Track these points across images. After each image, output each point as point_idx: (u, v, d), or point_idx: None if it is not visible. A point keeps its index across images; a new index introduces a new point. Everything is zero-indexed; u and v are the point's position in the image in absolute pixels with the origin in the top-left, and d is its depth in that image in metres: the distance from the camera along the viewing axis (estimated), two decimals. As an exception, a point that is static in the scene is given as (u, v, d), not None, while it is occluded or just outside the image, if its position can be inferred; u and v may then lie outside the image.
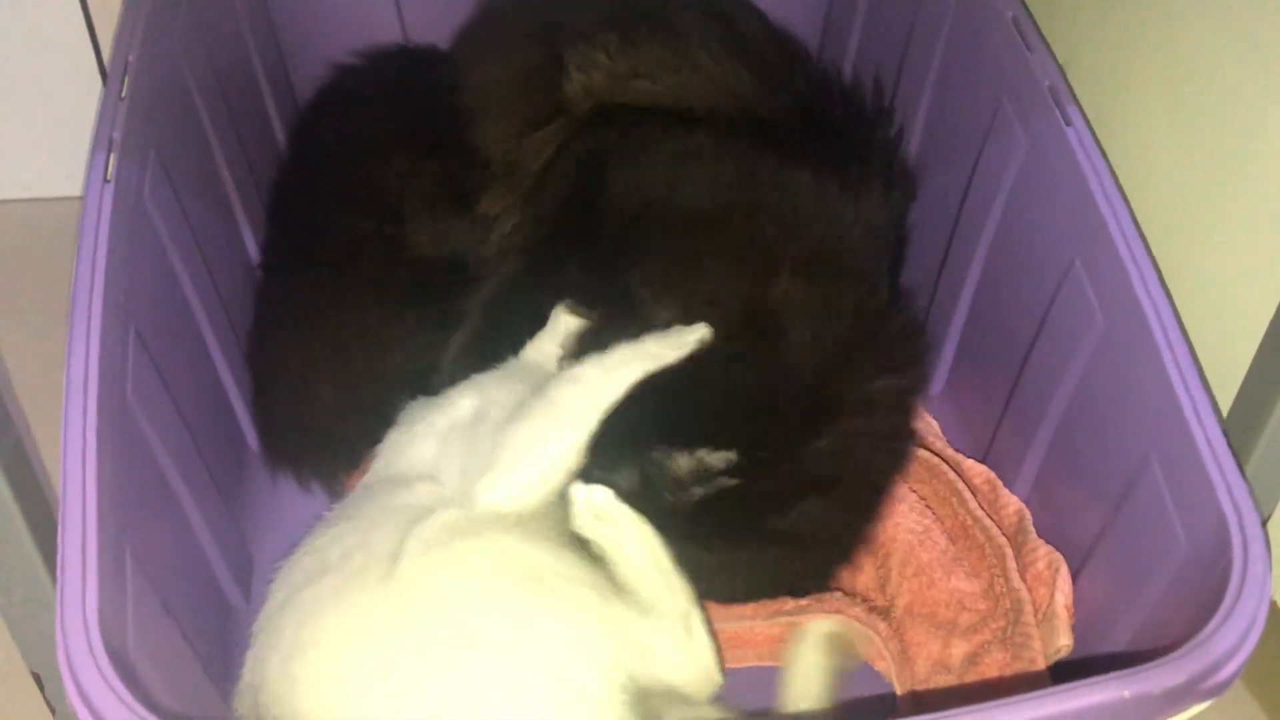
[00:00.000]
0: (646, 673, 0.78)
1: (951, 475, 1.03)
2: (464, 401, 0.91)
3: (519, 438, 0.84)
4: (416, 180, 1.13)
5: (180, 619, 0.85)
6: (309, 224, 1.17)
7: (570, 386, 0.86)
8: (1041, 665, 0.90)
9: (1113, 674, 0.66)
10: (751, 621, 0.97)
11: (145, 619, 0.78)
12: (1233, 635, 0.69)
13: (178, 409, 0.93)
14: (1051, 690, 0.65)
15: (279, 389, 1.09)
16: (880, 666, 0.96)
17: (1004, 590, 0.95)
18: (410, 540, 0.78)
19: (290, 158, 1.28)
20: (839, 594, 0.98)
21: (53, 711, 0.85)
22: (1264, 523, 0.76)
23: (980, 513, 1.00)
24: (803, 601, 0.96)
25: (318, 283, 1.11)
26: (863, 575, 1.01)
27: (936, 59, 1.14)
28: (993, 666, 0.91)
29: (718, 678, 0.83)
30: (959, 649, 0.94)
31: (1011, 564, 0.96)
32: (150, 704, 0.66)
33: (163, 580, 0.83)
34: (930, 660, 0.94)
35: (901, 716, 0.65)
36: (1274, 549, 0.76)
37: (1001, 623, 0.94)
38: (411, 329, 1.06)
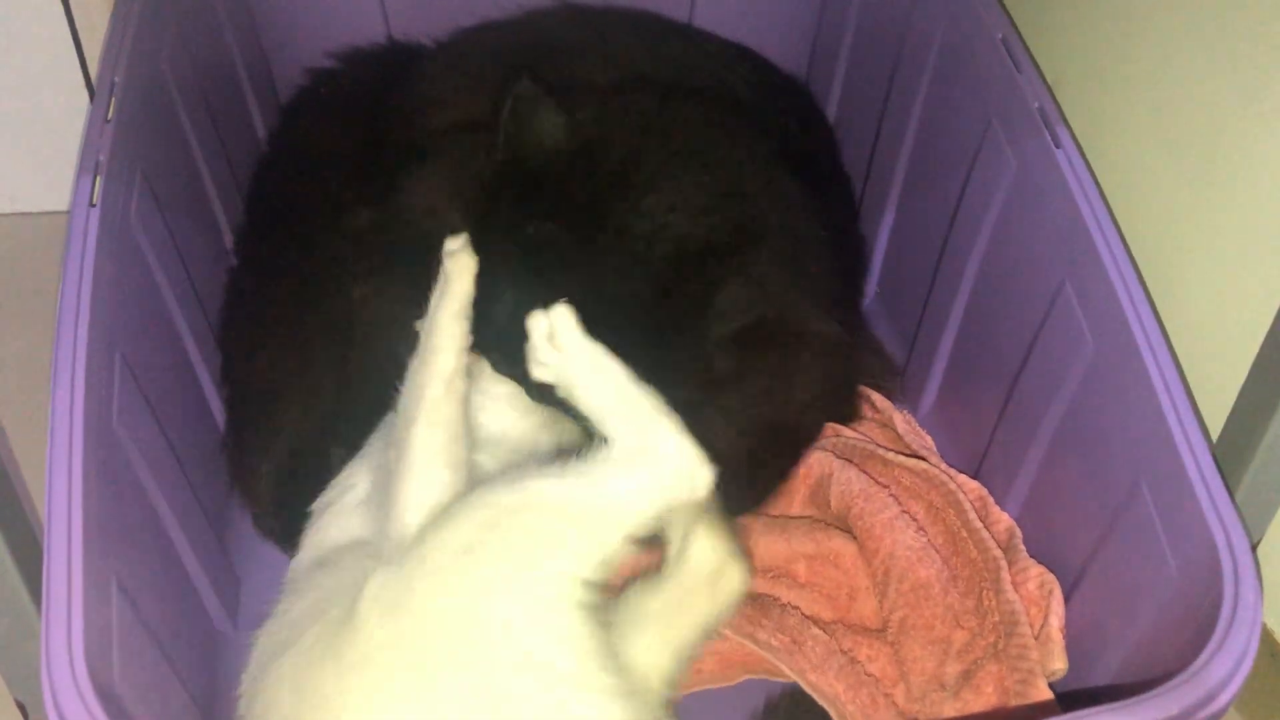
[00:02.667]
0: (635, 524, 0.76)
1: (951, 486, 1.04)
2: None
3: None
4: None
5: (167, 647, 0.85)
6: (278, 245, 1.15)
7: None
8: (1040, 680, 0.89)
9: (1103, 706, 0.66)
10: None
11: (131, 648, 0.77)
12: (1225, 665, 0.69)
13: (164, 434, 0.92)
14: (1042, 723, 0.65)
15: (248, 423, 1.08)
16: (849, 710, 0.95)
17: (993, 605, 0.95)
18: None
19: (263, 170, 1.27)
20: (815, 638, 0.98)
21: (38, 741, 0.84)
22: (1254, 548, 0.76)
23: (977, 524, 1.00)
24: (774, 642, 0.96)
25: (284, 306, 1.09)
26: (861, 592, 1.01)
27: (925, 80, 1.14)
28: (988, 680, 0.91)
29: (707, 471, 0.78)
30: (953, 668, 0.94)
31: (1005, 577, 0.95)
32: (135, 737, 0.66)
33: (149, 608, 0.82)
34: (925, 676, 0.94)
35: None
36: (1265, 573, 0.76)
37: (992, 637, 0.94)
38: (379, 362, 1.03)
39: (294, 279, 1.10)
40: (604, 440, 0.78)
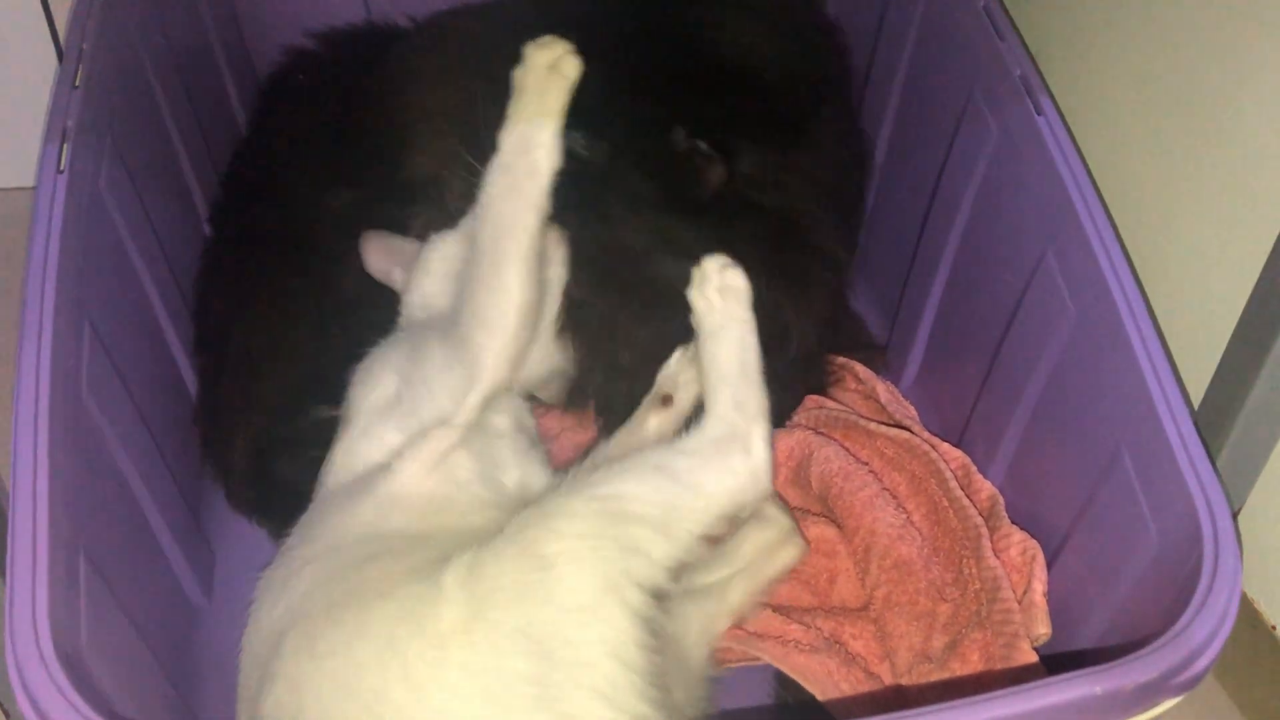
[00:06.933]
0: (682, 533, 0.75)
1: (933, 455, 1.03)
2: (385, 380, 0.88)
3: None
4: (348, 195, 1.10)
5: (137, 619, 0.84)
6: (256, 219, 1.14)
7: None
8: (1025, 643, 0.89)
9: (1084, 670, 0.66)
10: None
11: (100, 620, 0.76)
12: (1205, 629, 0.68)
13: (134, 403, 0.91)
14: (1022, 687, 0.64)
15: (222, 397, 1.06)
16: (843, 688, 0.94)
17: (974, 573, 0.95)
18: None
19: (243, 147, 1.26)
20: (792, 622, 0.97)
21: (6, 715, 0.83)
22: (1235, 515, 0.75)
23: (959, 493, 1.00)
24: (758, 635, 0.95)
25: (261, 278, 1.08)
26: (842, 575, 1.01)
27: (908, 48, 1.13)
28: (973, 648, 0.91)
29: (770, 484, 0.80)
30: (939, 640, 0.93)
31: (987, 544, 0.95)
32: (102, 708, 0.65)
33: (119, 580, 0.81)
34: (912, 652, 0.94)
35: (869, 716, 0.64)
36: (1245, 541, 0.76)
37: (974, 605, 0.94)
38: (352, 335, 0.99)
39: (272, 252, 1.09)
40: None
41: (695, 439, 0.79)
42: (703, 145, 0.92)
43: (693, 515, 0.75)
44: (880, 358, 1.20)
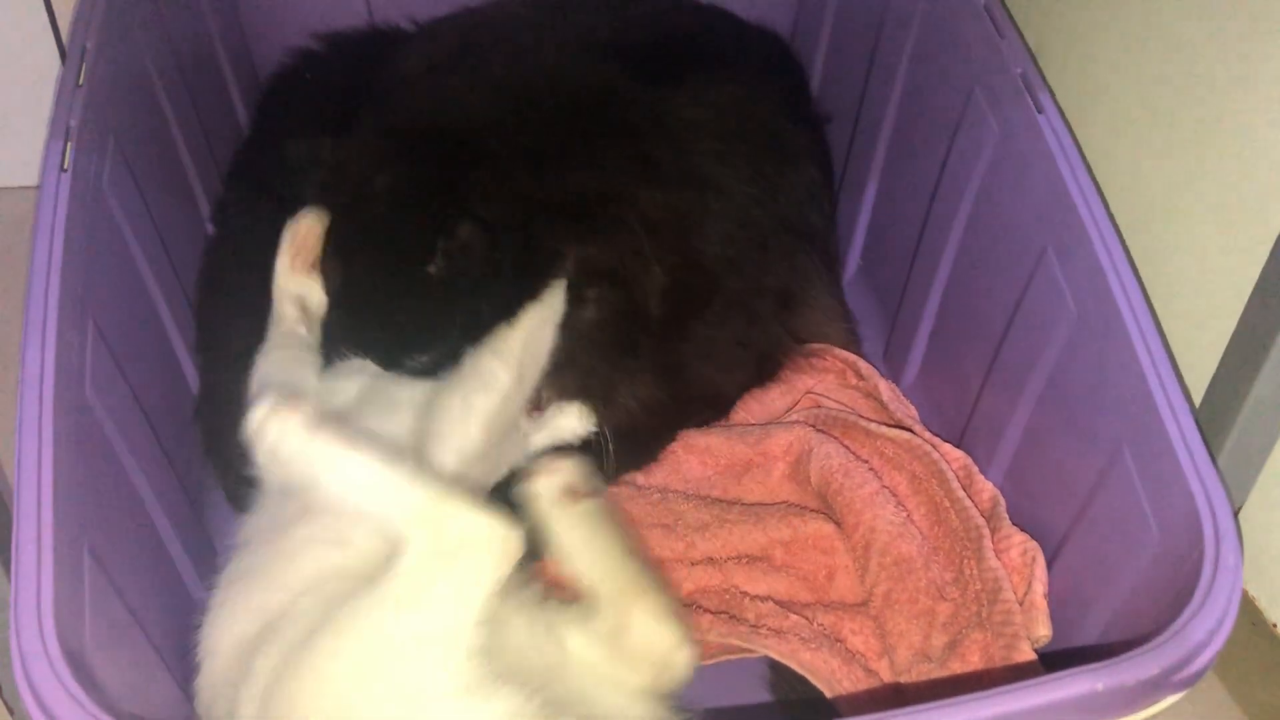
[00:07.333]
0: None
1: (935, 456, 1.03)
2: None
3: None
4: None
5: (142, 617, 0.84)
6: (257, 216, 1.14)
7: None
8: (1025, 643, 0.89)
9: (1085, 666, 0.66)
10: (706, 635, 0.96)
11: (104, 618, 0.76)
12: (1205, 626, 0.69)
13: (138, 400, 0.91)
14: (1023, 684, 0.65)
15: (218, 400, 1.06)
16: (844, 685, 0.94)
17: (974, 574, 0.95)
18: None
19: (245, 146, 1.26)
20: (792, 613, 0.97)
21: (10, 712, 0.83)
22: (1236, 513, 0.76)
23: (960, 493, 1.00)
24: (760, 633, 0.95)
25: (262, 275, 1.08)
26: (840, 571, 1.01)
27: (909, 47, 1.13)
28: (973, 649, 0.91)
29: (516, 534, 0.72)
30: (939, 639, 0.93)
31: (988, 545, 0.95)
32: (108, 705, 0.65)
33: (123, 578, 0.81)
34: (911, 650, 0.94)
35: (882, 710, 0.64)
36: (1246, 539, 0.76)
37: (975, 606, 0.94)
38: None
39: (274, 251, 1.09)
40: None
41: (416, 559, 0.70)
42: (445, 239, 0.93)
43: (465, 622, 0.69)
44: (858, 346, 1.19)
